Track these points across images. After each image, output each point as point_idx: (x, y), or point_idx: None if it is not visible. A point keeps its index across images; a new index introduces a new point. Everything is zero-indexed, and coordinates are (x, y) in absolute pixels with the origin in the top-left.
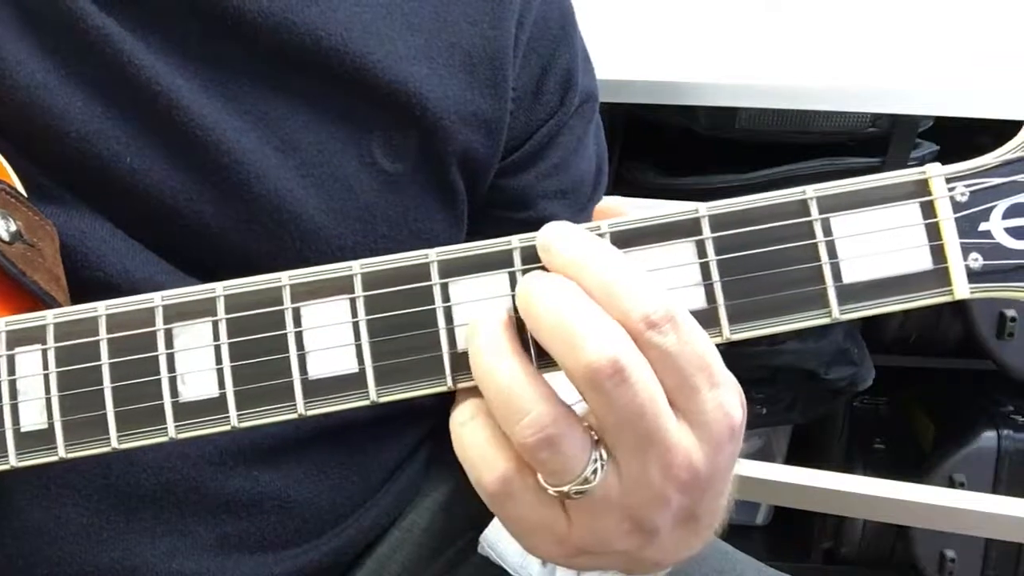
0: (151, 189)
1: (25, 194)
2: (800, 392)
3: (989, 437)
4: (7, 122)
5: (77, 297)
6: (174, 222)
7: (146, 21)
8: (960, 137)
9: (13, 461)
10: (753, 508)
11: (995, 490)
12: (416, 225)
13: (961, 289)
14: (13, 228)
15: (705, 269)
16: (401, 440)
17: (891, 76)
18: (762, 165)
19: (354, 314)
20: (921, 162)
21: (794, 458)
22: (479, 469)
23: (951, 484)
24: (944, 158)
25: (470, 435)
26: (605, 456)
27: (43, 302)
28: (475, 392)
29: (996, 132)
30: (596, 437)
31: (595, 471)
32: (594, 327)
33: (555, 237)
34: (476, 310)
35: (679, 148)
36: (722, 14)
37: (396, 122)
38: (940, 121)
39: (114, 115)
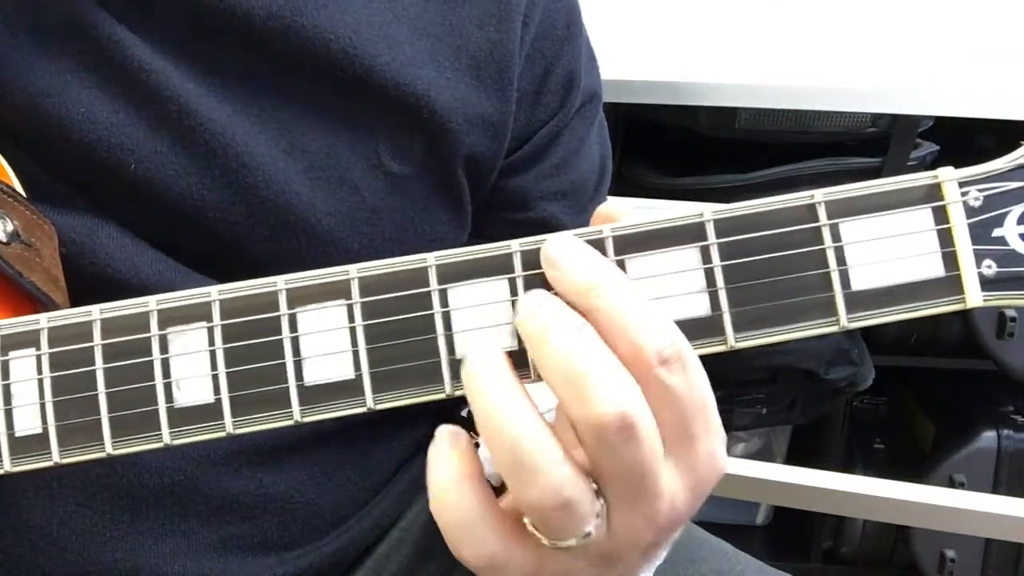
0: (159, 193)
1: (24, 194)
2: (800, 392)
3: (989, 437)
4: (14, 126)
5: (86, 294)
6: (183, 223)
7: (155, 27)
8: (960, 137)
9: (7, 466)
10: (753, 508)
11: (995, 490)
12: (422, 227)
13: (974, 297)
14: (10, 228)
15: (710, 275)
16: (401, 441)
17: (891, 76)
18: (762, 165)
19: (351, 319)
20: (921, 162)
21: (794, 458)
22: (464, 544)
23: (951, 484)
24: (944, 158)
25: (456, 503)
26: (601, 507)
27: (40, 303)
28: (457, 446)
29: (996, 132)
30: (595, 486)
31: (597, 525)
32: (606, 377)
33: (564, 255)
34: (473, 345)
35: (679, 148)
36: (722, 14)
37: (403, 125)
38: (940, 121)
39: (120, 121)
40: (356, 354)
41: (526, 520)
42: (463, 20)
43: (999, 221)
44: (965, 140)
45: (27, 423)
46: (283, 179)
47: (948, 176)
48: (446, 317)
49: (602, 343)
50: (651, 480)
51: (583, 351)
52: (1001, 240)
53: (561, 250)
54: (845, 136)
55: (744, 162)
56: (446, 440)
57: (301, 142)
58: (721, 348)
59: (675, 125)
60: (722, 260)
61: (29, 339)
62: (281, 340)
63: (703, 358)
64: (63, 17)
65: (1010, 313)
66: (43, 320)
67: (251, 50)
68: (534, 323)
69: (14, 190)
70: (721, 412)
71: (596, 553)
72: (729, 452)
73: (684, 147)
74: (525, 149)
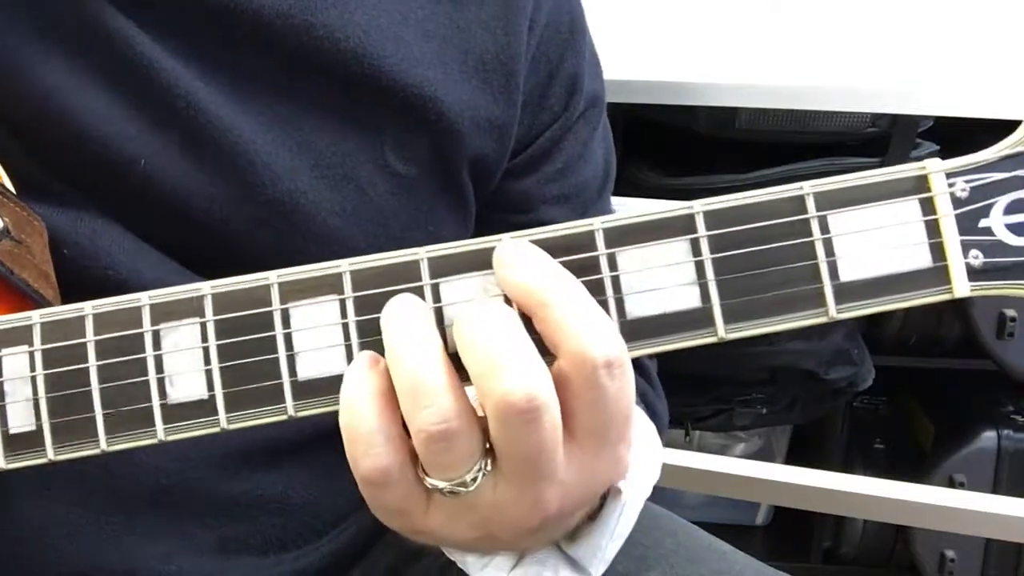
0: (166, 191)
1: (13, 190)
2: (800, 392)
3: (989, 437)
4: (21, 124)
5: (86, 296)
6: (187, 223)
7: (165, 24)
8: (960, 137)
9: (1, 463)
10: (753, 508)
11: (995, 490)
12: (427, 228)
13: (961, 287)
14: (0, 225)
15: (700, 267)
16: None
17: (891, 76)
18: (762, 165)
19: (343, 314)
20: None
21: (794, 458)
22: (362, 453)
23: (951, 484)
24: (944, 158)
25: (365, 415)
26: (489, 467)
27: (32, 300)
28: (376, 367)
29: (996, 132)
30: (488, 445)
31: (475, 478)
32: (520, 359)
33: (517, 256)
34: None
35: (679, 148)
36: (722, 14)
37: (410, 125)
38: (940, 121)
39: (131, 117)
40: (349, 348)
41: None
42: (470, 23)
43: (985, 212)
44: (965, 140)
45: (20, 420)
46: (290, 178)
47: (935, 168)
48: (439, 312)
49: (524, 332)
50: (547, 466)
51: (505, 332)
52: (988, 231)
53: (511, 251)
54: (845, 136)
55: (744, 162)
56: (366, 361)
57: (308, 141)
58: (711, 340)
59: (675, 125)
60: (712, 252)
61: (22, 336)
62: (274, 335)
63: (702, 351)
64: (74, 14)
65: (1010, 313)
66: (35, 316)
67: (260, 49)
68: (466, 306)
69: (3, 186)
70: (721, 412)
71: (478, 518)
72: (729, 452)
73: (684, 147)
74: (528, 152)
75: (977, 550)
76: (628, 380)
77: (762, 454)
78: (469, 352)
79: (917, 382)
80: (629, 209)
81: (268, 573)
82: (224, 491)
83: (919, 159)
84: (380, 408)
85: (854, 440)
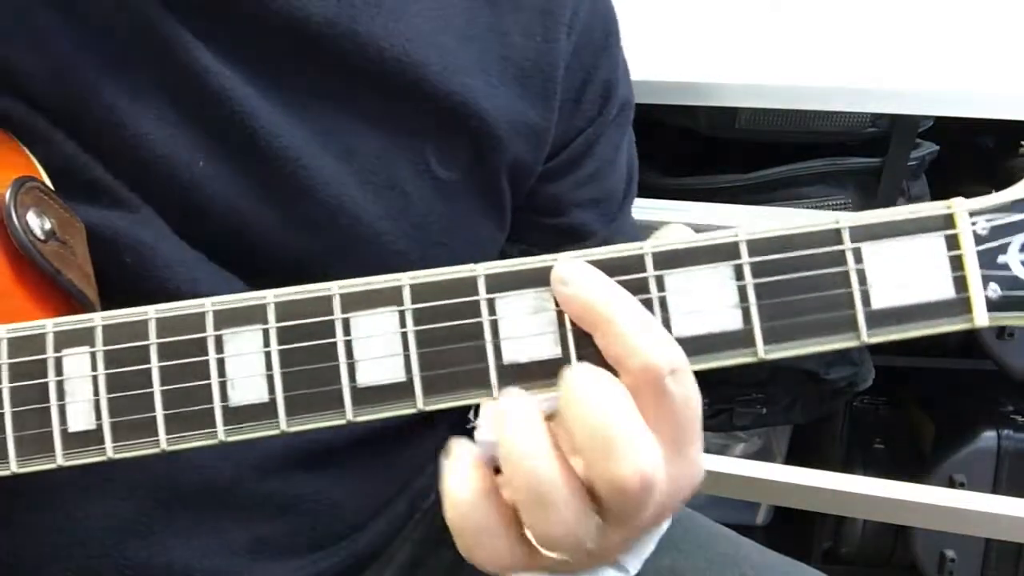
0: (217, 195)
1: (53, 187)
2: (800, 392)
3: (989, 437)
4: (84, 130)
5: (143, 304)
6: (240, 227)
7: (217, 30)
8: (960, 137)
9: (60, 460)
10: (753, 508)
11: (995, 490)
12: (467, 231)
13: (981, 318)
14: (47, 226)
15: (742, 292)
16: (422, 444)
17: (891, 76)
18: (762, 165)
19: (403, 324)
20: (921, 162)
21: (794, 458)
22: (482, 555)
23: (951, 484)
24: (944, 158)
25: (476, 516)
26: (599, 525)
27: (76, 300)
28: (476, 463)
29: (996, 132)
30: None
31: (593, 540)
32: (634, 440)
33: (575, 274)
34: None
35: (679, 148)
36: (723, 14)
37: (451, 131)
38: (940, 121)
39: (185, 123)
40: (407, 358)
41: (528, 533)
42: (510, 30)
43: (1004, 249)
44: (965, 140)
45: (81, 419)
46: (338, 182)
47: (960, 207)
48: (494, 325)
49: (633, 406)
50: (646, 518)
51: (619, 412)
52: (1005, 266)
53: (571, 269)
54: (845, 136)
55: (744, 162)
56: (465, 456)
57: (353, 146)
58: (751, 360)
59: (675, 125)
60: (754, 278)
61: (83, 337)
62: (335, 343)
63: None
64: (133, 23)
65: None
66: (97, 318)
67: (308, 56)
68: (575, 378)
69: (48, 187)
70: (721, 412)
71: (588, 558)
72: (729, 452)
73: (684, 147)
74: (562, 156)
75: (977, 550)
76: (692, 385)
77: (762, 454)
78: (580, 428)
79: (917, 382)
80: (639, 210)
81: (297, 572)
82: (259, 490)
83: (919, 159)
84: (495, 508)
85: (854, 440)
